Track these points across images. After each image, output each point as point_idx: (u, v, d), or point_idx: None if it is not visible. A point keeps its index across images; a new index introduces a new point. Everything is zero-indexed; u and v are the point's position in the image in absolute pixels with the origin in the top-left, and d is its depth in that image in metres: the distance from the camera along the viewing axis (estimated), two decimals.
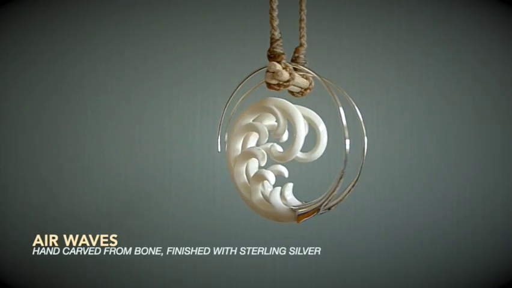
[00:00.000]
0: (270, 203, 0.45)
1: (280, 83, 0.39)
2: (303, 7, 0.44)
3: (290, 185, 0.46)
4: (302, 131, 0.43)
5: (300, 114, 0.43)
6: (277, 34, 0.38)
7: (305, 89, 0.45)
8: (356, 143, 0.43)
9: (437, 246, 0.83)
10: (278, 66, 0.37)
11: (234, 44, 0.86)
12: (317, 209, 0.44)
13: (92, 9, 0.89)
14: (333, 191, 0.43)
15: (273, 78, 0.38)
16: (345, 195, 0.44)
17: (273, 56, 0.38)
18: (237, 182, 0.46)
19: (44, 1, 0.90)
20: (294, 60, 0.44)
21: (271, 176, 0.45)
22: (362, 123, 0.44)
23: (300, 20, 0.45)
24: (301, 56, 0.44)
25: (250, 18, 0.87)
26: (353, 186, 0.43)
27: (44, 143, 0.90)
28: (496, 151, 0.83)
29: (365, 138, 0.44)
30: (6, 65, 0.91)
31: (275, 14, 0.38)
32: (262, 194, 0.45)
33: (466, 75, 0.83)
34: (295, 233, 0.85)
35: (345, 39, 0.85)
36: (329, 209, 0.44)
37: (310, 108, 0.46)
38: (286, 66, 0.39)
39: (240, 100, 0.46)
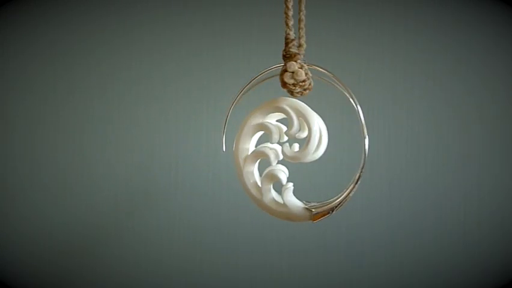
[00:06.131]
0: (284, 202, 0.45)
1: (296, 82, 0.39)
2: (302, 8, 0.44)
3: (291, 185, 0.46)
4: (316, 131, 0.43)
5: (314, 113, 0.43)
6: (292, 34, 0.38)
7: (304, 89, 0.45)
8: (356, 143, 0.43)
9: (437, 246, 0.83)
10: (297, 66, 0.37)
11: (239, 43, 0.86)
12: (332, 209, 0.44)
13: (95, 7, 0.89)
14: (351, 191, 0.43)
15: (292, 78, 0.38)
16: (348, 195, 0.44)
17: (289, 56, 0.38)
18: (246, 182, 0.46)
19: (45, 1, 0.89)
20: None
21: (283, 176, 0.45)
22: (363, 122, 0.43)
23: (299, 21, 0.45)
24: (301, 56, 0.43)
25: (256, 18, 0.87)
26: (355, 184, 0.43)
27: (44, 143, 0.89)
28: (500, 151, 0.83)
29: (366, 138, 0.43)
30: (7, 65, 0.90)
31: (290, 13, 0.38)
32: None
33: (472, 76, 0.83)
34: (302, 232, 0.85)
35: (350, 39, 0.85)
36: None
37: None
38: (302, 65, 0.39)
39: (237, 98, 0.46)
